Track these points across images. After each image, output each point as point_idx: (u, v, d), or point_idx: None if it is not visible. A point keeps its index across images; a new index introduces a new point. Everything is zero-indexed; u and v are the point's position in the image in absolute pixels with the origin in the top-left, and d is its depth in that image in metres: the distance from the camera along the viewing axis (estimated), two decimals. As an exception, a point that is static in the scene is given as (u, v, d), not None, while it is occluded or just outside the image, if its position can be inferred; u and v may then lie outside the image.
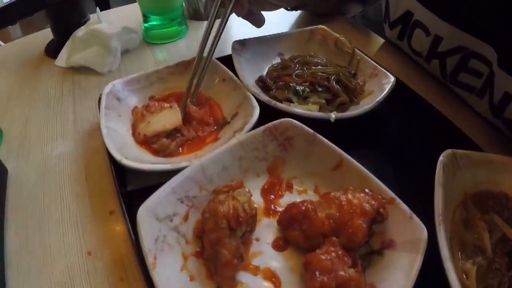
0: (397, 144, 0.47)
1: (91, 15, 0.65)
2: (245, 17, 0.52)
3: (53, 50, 0.63)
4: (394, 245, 0.33)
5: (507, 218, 0.36)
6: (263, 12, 0.55)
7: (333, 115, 0.43)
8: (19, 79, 0.60)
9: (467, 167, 0.38)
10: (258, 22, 0.54)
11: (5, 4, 0.53)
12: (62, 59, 0.60)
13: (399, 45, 0.63)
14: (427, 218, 0.32)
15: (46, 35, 0.66)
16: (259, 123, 0.42)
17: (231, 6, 0.46)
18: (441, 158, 0.36)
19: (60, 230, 0.39)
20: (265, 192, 0.39)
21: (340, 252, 0.31)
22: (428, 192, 0.34)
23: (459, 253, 0.34)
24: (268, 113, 0.44)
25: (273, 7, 0.58)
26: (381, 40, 0.68)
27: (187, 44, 0.66)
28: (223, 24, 0.47)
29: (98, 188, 0.43)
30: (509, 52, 0.44)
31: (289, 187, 0.40)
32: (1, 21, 0.54)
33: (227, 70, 0.49)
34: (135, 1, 0.65)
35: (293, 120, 0.40)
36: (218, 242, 0.31)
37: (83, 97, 0.55)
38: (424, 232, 0.31)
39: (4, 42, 0.79)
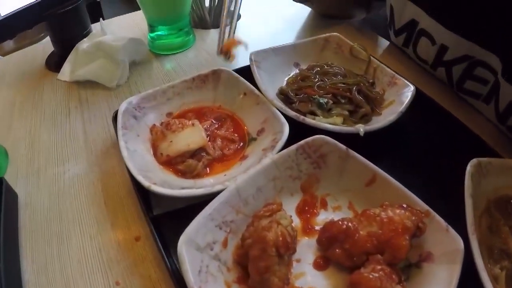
0: (419, 153, 0.48)
1: (92, 25, 0.63)
2: None
3: (54, 63, 0.60)
4: (432, 258, 0.33)
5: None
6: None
7: (361, 129, 0.43)
8: (21, 95, 0.57)
9: (490, 174, 0.39)
10: None
11: (3, 17, 0.51)
12: (65, 73, 0.58)
13: (404, 51, 0.64)
14: (457, 226, 0.33)
15: (45, 47, 0.63)
16: (287, 140, 0.42)
17: None
18: (468, 168, 0.37)
19: (82, 258, 0.38)
20: (300, 211, 0.39)
21: (387, 270, 0.31)
22: (455, 199, 0.35)
23: (487, 258, 0.35)
24: (294, 128, 0.43)
25: None
26: (386, 42, 0.70)
27: (195, 54, 0.65)
28: None
29: (120, 212, 0.42)
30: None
31: (324, 205, 0.40)
32: (0, 34, 0.51)
33: (248, 83, 0.49)
34: (128, 12, 0.63)
35: (326, 137, 0.40)
36: (267, 270, 0.31)
37: (92, 114, 0.53)
38: (461, 244, 0.32)
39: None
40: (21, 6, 0.53)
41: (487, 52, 0.48)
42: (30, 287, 0.36)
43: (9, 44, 1.45)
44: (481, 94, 0.52)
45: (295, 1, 0.71)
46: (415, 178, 0.41)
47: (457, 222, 0.34)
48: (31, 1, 0.54)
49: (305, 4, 0.73)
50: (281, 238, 0.31)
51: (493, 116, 0.50)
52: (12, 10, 0.52)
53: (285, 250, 0.31)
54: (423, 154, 0.47)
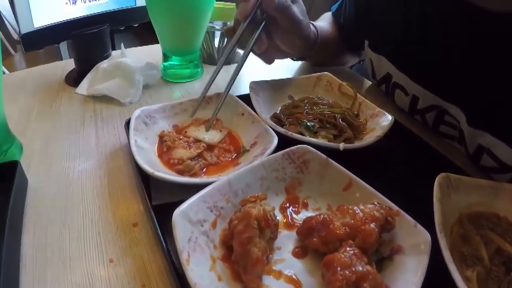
0: (394, 171, 0.56)
1: (113, 52, 0.76)
2: (263, 52, 0.62)
3: (73, 79, 0.72)
4: (403, 250, 0.40)
5: (500, 234, 0.43)
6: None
7: (341, 145, 0.52)
8: (39, 102, 0.68)
9: (460, 189, 0.46)
10: (270, 59, 0.64)
11: (36, 28, 0.63)
12: (83, 87, 0.69)
13: None
14: (427, 230, 0.40)
15: (65, 64, 0.76)
16: (275, 151, 0.50)
17: (254, 40, 0.58)
18: (437, 179, 0.45)
19: (81, 238, 0.44)
20: (283, 209, 0.47)
21: (356, 251, 0.38)
22: (425, 209, 0.42)
23: (460, 262, 0.40)
24: (283, 143, 0.52)
25: (281, 55, 0.70)
26: (368, 83, 0.83)
27: (202, 84, 0.77)
28: (246, 55, 0.58)
29: (121, 202, 0.49)
30: (477, 111, 0.54)
31: (305, 205, 0.48)
32: (31, 43, 0.63)
33: (246, 105, 0.60)
34: (137, 46, 0.76)
35: (309, 146, 0.49)
36: (248, 241, 0.38)
37: (105, 123, 0.63)
38: (428, 236, 0.39)
39: (9, 71, 0.88)
40: (53, 22, 0.65)
41: (449, 104, 0.59)
42: (27, 260, 0.41)
43: (21, 65, 1.61)
44: (455, 136, 0.62)
45: (294, 60, 0.83)
46: (391, 190, 0.47)
47: (427, 227, 0.40)
48: (63, 20, 0.67)
49: (304, 60, 0.85)
50: (262, 213, 0.39)
51: (466, 155, 0.60)
52: (45, 24, 0.64)
53: (266, 224, 0.39)
54: (398, 172, 0.56)
